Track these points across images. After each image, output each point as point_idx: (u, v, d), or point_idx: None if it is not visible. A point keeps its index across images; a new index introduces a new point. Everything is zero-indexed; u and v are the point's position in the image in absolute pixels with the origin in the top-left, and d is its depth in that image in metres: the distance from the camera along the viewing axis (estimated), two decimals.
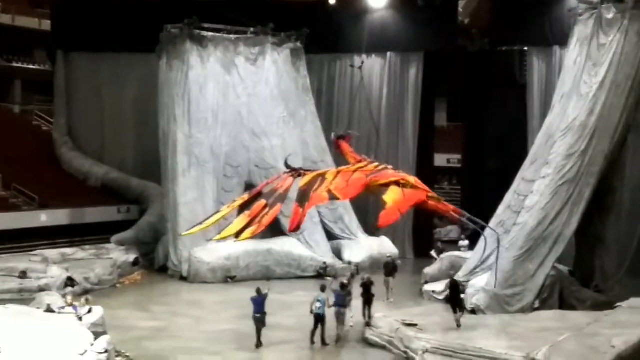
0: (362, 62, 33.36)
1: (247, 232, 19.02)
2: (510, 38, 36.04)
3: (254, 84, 33.51)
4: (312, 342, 21.19)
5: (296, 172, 20.88)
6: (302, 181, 20.38)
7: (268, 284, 21.32)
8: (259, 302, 20.96)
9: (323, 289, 21.89)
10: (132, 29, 36.30)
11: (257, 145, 32.84)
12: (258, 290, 21.08)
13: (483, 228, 21.22)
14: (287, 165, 21.74)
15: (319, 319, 21.20)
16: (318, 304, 21.17)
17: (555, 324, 20.97)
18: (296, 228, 20.19)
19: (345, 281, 23.04)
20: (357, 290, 23.14)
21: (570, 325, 20.45)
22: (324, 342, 21.21)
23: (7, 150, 37.53)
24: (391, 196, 20.15)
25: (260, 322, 20.84)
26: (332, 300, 21.75)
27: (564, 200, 24.21)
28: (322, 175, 20.62)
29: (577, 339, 18.70)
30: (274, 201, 19.41)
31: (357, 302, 22.84)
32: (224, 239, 20.80)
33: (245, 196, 21.03)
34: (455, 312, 21.85)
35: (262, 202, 19.48)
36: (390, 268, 27.17)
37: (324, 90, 38.37)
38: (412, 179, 21.32)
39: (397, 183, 20.62)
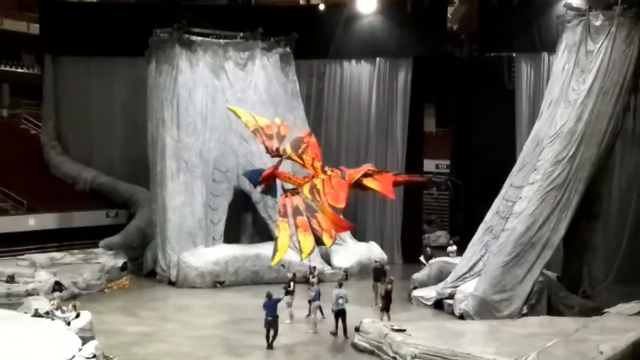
0: (324, 73, 33.09)
1: (328, 239, 20.35)
2: (499, 44, 36.10)
3: (242, 88, 33.48)
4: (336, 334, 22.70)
5: (293, 191, 21.31)
6: (304, 194, 20.85)
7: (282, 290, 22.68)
8: (270, 306, 21.41)
9: (340, 285, 23.22)
10: (121, 33, 36.21)
11: (246, 150, 32.81)
12: (269, 295, 21.69)
13: (449, 180, 22.01)
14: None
15: (342, 313, 22.49)
16: (340, 300, 22.33)
17: (543, 329, 21.03)
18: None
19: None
20: None
21: (558, 331, 20.54)
22: (345, 334, 22.49)
23: None
24: (370, 183, 21.57)
25: (272, 325, 21.22)
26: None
27: (552, 206, 24.32)
28: (313, 186, 20.99)
29: (565, 345, 18.81)
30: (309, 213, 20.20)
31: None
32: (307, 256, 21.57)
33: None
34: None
35: (301, 218, 20.03)
36: (378, 273, 27.22)
37: (313, 96, 38.39)
38: (373, 167, 22.82)
39: (366, 175, 21.98)
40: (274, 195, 22.73)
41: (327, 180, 21.50)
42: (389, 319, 23.29)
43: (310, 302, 23.96)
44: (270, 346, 21.21)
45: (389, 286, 24.37)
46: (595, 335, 19.54)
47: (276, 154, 23.10)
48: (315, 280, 24.99)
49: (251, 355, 20.82)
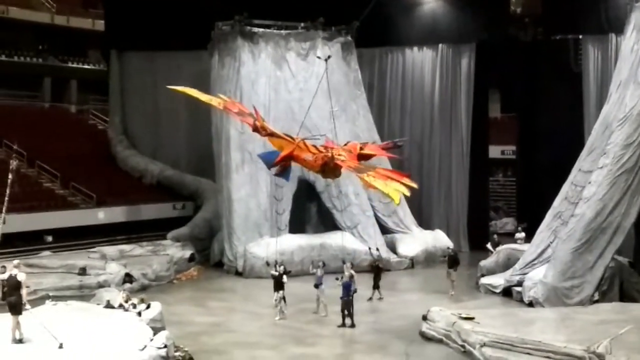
0: (329, 56, 32.40)
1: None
2: (564, 26, 35.39)
3: (304, 79, 33.48)
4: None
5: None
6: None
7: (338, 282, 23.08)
8: (347, 286, 22.52)
9: (352, 265, 24.61)
10: (184, 27, 36.61)
11: (309, 141, 32.73)
12: (350, 276, 23.03)
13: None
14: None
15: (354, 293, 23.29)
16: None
17: (616, 316, 20.66)
18: None
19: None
20: None
21: (631, 317, 20.17)
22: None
23: (65, 150, 38.34)
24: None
25: (349, 304, 22.31)
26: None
27: (622, 190, 23.71)
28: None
29: (639, 332, 18.38)
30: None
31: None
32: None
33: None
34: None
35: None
36: (451, 261, 27.03)
37: (375, 84, 38.22)
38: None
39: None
40: (287, 178, 22.18)
41: (348, 153, 20.53)
42: (380, 295, 25.90)
43: (316, 286, 24.10)
44: (353, 324, 22.11)
45: (379, 265, 26.57)
46: None
47: (268, 133, 21.58)
48: (319, 268, 24.65)
49: (320, 344, 20.87)
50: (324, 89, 33.25)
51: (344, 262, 24.96)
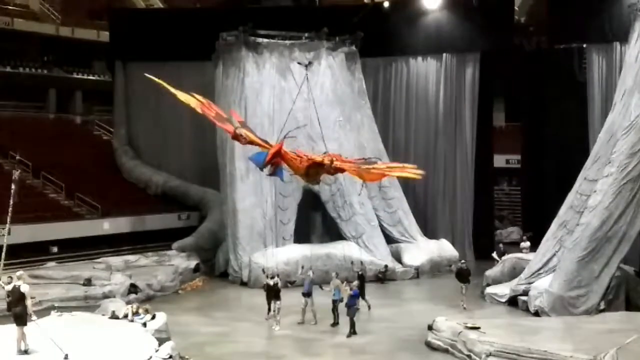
0: (310, 63, 32.34)
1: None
2: (569, 35, 35.32)
3: (309, 88, 33.51)
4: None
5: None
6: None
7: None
8: (356, 295, 22.92)
9: (337, 275, 24.54)
10: (189, 38, 36.71)
11: (314, 150, 32.82)
12: (359, 285, 23.61)
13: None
14: None
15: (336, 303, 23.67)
16: (335, 291, 23.67)
17: (622, 325, 20.59)
18: None
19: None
20: None
21: (637, 326, 20.04)
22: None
23: (70, 160, 38.43)
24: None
25: (354, 312, 22.51)
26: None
27: (628, 199, 23.65)
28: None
29: None
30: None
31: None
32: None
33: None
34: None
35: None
36: (464, 274, 26.68)
37: (379, 94, 38.26)
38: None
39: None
40: (281, 177, 22.00)
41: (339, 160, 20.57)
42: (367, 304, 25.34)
43: (304, 295, 24.20)
44: (351, 332, 22.34)
45: (360, 273, 26.21)
46: None
47: (247, 141, 21.23)
48: (307, 275, 24.90)
49: (325, 354, 20.85)
50: (329, 99, 33.56)
51: (336, 275, 24.95)
